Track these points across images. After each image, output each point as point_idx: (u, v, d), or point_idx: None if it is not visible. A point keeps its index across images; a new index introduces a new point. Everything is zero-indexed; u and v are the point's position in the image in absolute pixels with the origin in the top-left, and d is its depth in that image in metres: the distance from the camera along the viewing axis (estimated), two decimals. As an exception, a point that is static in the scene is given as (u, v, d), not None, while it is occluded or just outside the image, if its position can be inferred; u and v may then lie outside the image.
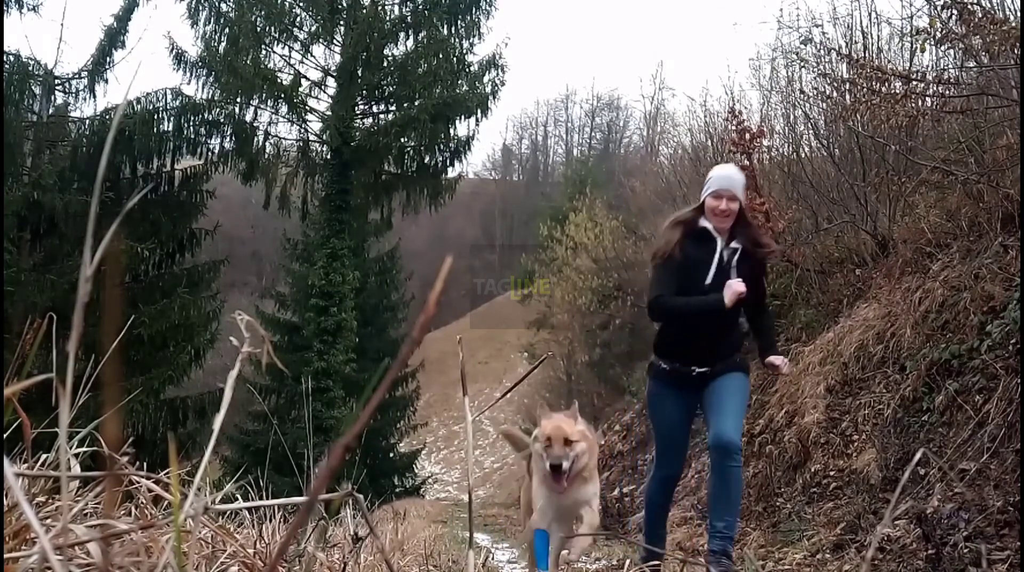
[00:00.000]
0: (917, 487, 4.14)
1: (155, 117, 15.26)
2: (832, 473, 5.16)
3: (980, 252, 5.15)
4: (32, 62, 14.31)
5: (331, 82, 18.00)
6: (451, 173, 19.07)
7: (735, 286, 3.34)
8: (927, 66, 6.54)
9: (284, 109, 17.75)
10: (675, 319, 3.56)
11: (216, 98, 16.70)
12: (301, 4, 17.34)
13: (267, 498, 2.40)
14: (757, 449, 6.22)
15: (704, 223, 3.53)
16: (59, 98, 14.97)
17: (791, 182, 8.19)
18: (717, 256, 3.50)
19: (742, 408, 3.54)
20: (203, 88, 16.66)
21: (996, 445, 3.90)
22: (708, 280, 3.47)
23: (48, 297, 11.94)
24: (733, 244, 3.52)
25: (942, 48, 5.64)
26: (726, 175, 3.57)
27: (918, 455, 1.62)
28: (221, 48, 16.50)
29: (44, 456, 1.27)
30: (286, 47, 17.55)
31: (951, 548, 3.43)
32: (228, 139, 17.07)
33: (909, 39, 6.50)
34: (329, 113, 17.68)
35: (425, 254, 39.52)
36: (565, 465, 2.95)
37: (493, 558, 5.56)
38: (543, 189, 50.77)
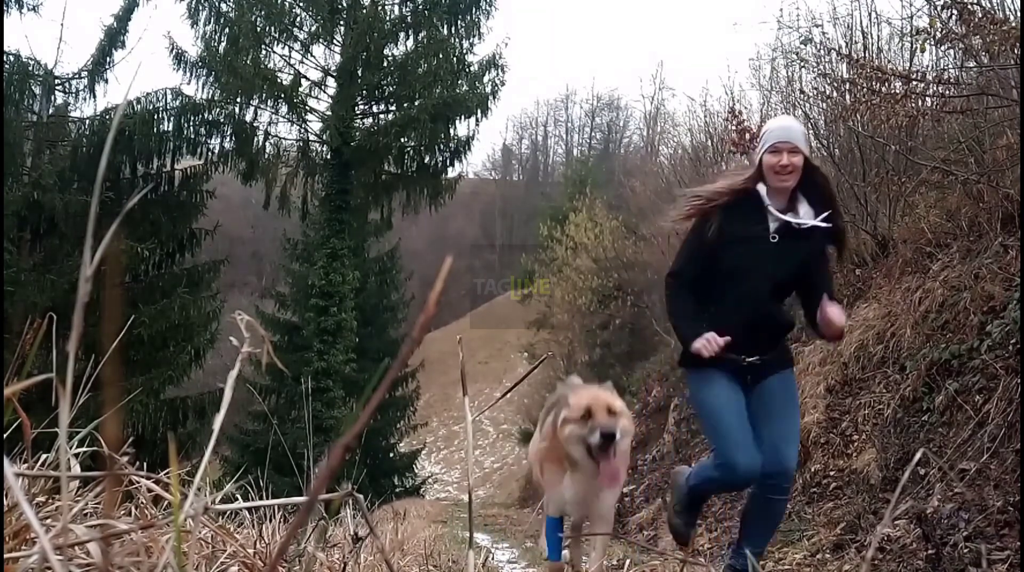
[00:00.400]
0: (917, 487, 4.14)
1: (155, 117, 15.27)
2: (832, 473, 5.17)
3: (980, 252, 5.15)
4: (32, 62, 14.32)
5: (331, 82, 18.02)
6: (451, 173, 19.10)
7: (709, 343, 2.88)
8: (927, 66, 6.54)
9: (284, 109, 17.77)
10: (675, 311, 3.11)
11: (216, 98, 16.71)
12: (301, 4, 17.35)
13: (267, 498, 2.40)
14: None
15: (758, 188, 2.99)
16: (59, 98, 14.99)
17: (791, 182, 8.17)
18: (764, 233, 2.96)
19: (798, 424, 3.07)
20: (203, 88, 16.70)
21: (996, 445, 3.90)
22: (746, 264, 2.95)
23: (48, 297, 11.94)
24: (792, 216, 2.97)
25: (942, 48, 5.65)
26: (784, 126, 3.06)
27: (918, 455, 1.62)
28: (221, 48, 16.51)
29: (44, 456, 1.27)
30: (286, 47, 17.57)
31: (951, 548, 3.43)
32: (228, 139, 17.09)
33: (909, 39, 6.50)
34: (329, 113, 17.69)
35: (425, 254, 39.54)
36: (618, 434, 2.47)
37: (493, 558, 5.55)
38: (543, 189, 50.77)
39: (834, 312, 2.91)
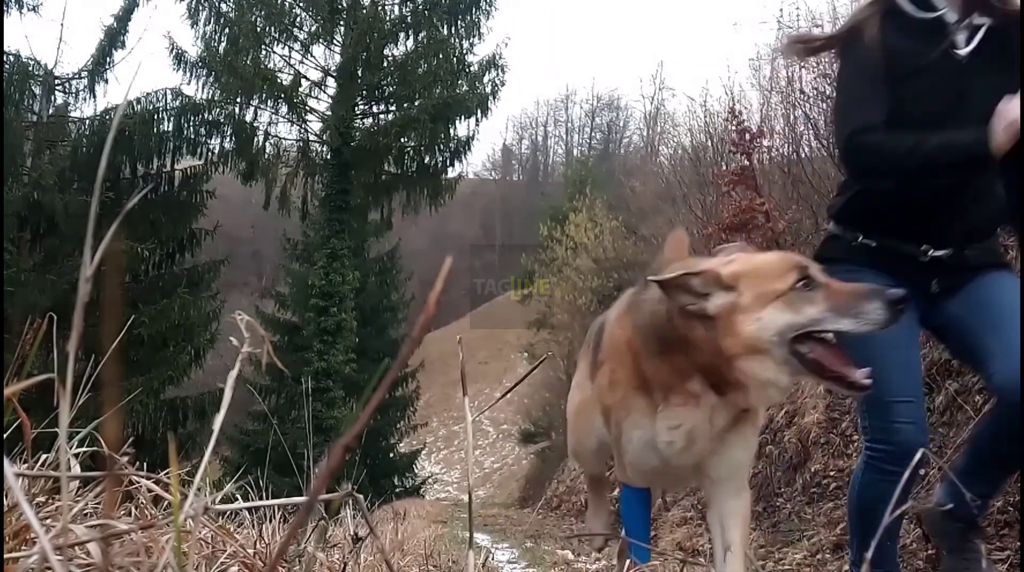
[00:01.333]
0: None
1: (155, 117, 15.29)
2: (832, 473, 5.17)
3: (980, 252, 5.15)
4: (32, 62, 14.33)
5: (331, 82, 18.03)
6: (451, 173, 19.12)
7: (1007, 113, 1.73)
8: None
9: (284, 109, 17.79)
10: (894, 173, 1.91)
11: (216, 98, 16.73)
12: (301, 4, 17.36)
13: (267, 498, 2.40)
14: (757, 449, 6.23)
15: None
16: (59, 98, 15.00)
17: (791, 182, 8.19)
18: (945, 47, 1.88)
19: None
20: (203, 88, 16.71)
21: (996, 445, 3.90)
22: (933, 103, 1.89)
23: (48, 297, 11.94)
24: (975, 20, 1.89)
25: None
26: None
27: (918, 455, 1.61)
28: (221, 48, 16.52)
29: (44, 456, 1.27)
30: (286, 47, 17.59)
31: (951, 548, 3.43)
32: (228, 139, 17.11)
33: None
34: (329, 113, 17.71)
35: (425, 254, 39.51)
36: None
37: (493, 558, 5.55)
38: (543, 189, 50.78)
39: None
